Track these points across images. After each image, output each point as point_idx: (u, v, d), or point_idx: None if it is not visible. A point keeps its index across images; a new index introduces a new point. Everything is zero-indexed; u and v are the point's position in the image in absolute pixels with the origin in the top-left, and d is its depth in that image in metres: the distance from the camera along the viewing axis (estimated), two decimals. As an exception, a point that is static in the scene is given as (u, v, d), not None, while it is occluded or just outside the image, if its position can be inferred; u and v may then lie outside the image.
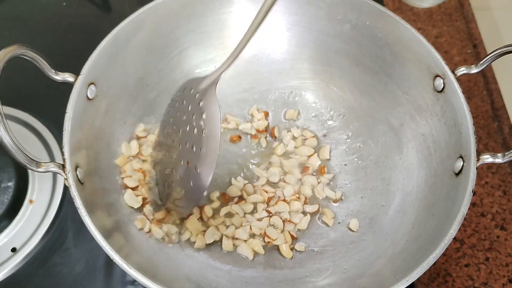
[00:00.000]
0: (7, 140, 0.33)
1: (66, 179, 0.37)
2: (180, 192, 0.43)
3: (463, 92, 0.42)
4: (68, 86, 0.41)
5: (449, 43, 0.68)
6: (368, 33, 0.50)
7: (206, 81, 0.42)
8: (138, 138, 0.51)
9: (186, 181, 0.42)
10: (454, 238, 0.48)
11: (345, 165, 0.53)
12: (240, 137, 0.55)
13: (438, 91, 0.45)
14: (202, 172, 0.40)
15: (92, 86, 0.43)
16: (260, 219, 0.49)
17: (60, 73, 0.41)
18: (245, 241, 0.47)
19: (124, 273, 0.48)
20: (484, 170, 0.56)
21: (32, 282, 0.47)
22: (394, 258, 0.42)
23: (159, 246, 0.45)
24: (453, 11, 0.71)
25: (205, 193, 0.41)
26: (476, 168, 0.39)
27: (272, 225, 0.48)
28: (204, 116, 0.41)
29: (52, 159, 0.54)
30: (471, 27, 0.69)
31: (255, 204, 0.50)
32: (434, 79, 0.45)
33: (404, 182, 0.48)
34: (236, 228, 0.48)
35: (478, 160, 0.39)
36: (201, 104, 0.42)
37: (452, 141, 0.43)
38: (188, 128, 0.43)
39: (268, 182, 0.52)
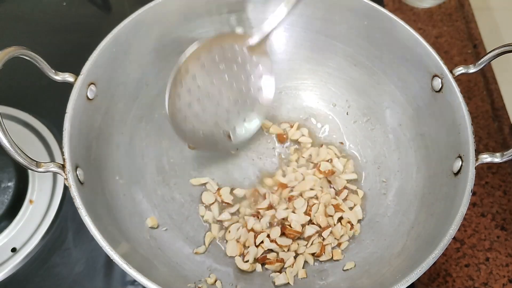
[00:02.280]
0: (5, 142, 0.33)
1: (66, 179, 0.37)
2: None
3: (463, 92, 0.42)
4: (68, 86, 0.41)
5: (449, 43, 0.68)
6: (366, 33, 0.50)
7: (256, 37, 0.46)
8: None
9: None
10: (454, 238, 0.48)
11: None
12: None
13: (436, 91, 0.45)
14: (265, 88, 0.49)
15: (92, 86, 0.43)
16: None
17: (60, 73, 0.41)
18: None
19: (124, 273, 0.48)
20: (484, 170, 0.56)
21: (32, 282, 0.47)
22: (394, 258, 0.42)
23: (159, 246, 0.45)
24: (453, 11, 0.71)
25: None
26: (475, 167, 0.39)
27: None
28: (260, 67, 0.48)
29: (52, 159, 0.54)
30: (471, 27, 0.69)
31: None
32: (432, 79, 0.45)
33: (403, 182, 0.48)
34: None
35: (476, 159, 0.39)
36: (254, 58, 0.47)
37: (450, 141, 0.43)
38: (237, 76, 0.47)
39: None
